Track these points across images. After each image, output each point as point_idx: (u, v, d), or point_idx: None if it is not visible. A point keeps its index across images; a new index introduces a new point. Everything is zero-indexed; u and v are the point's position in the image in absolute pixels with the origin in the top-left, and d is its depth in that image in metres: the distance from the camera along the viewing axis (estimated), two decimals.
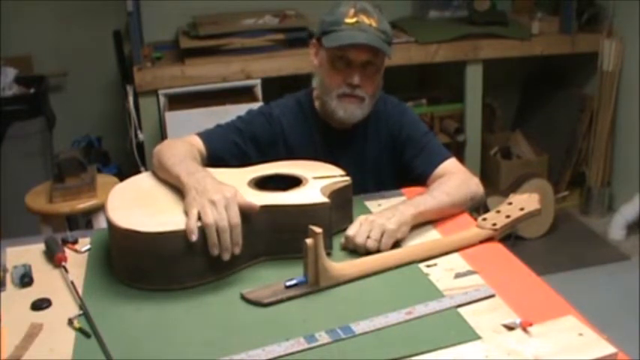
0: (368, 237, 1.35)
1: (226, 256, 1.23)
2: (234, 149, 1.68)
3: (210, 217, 1.22)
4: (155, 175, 1.50)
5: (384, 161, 1.76)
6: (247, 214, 1.27)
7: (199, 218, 1.22)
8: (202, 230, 1.22)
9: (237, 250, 1.24)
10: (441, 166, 1.66)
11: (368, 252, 1.35)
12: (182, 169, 1.38)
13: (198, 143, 1.65)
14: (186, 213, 1.25)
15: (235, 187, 1.29)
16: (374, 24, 1.61)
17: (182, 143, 1.59)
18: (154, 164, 1.52)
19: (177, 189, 1.39)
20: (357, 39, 1.59)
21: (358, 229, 1.37)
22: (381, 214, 1.41)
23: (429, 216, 1.49)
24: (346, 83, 1.63)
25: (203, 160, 1.61)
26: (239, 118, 1.76)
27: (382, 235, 1.35)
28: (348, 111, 1.66)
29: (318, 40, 1.69)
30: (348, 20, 1.60)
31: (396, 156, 1.75)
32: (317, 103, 1.76)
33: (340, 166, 1.53)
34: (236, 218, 1.23)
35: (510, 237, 3.22)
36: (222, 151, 1.67)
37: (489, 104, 3.77)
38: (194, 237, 1.20)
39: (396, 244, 1.39)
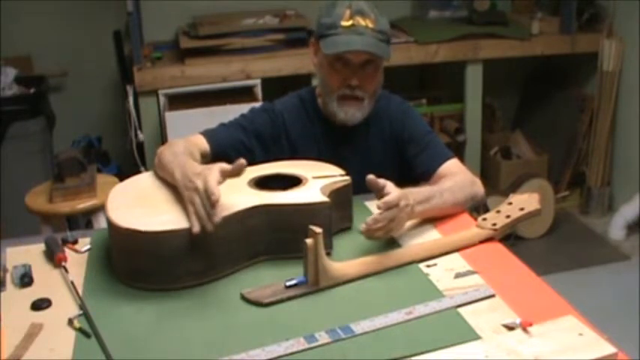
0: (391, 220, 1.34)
1: (209, 227, 1.22)
2: (238, 146, 1.69)
3: (191, 201, 1.24)
4: (156, 174, 1.51)
5: (387, 159, 1.76)
6: (247, 215, 1.27)
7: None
8: (204, 230, 1.22)
9: (217, 219, 1.22)
10: (442, 165, 1.67)
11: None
12: (175, 166, 1.40)
13: (202, 142, 1.66)
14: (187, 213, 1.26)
15: (217, 165, 1.29)
16: (370, 24, 1.60)
17: (182, 142, 1.59)
18: (155, 165, 1.53)
19: (178, 189, 1.39)
20: (353, 45, 1.59)
21: (394, 210, 1.34)
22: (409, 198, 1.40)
23: (431, 213, 1.50)
24: (345, 84, 1.64)
25: (206, 158, 1.61)
26: (242, 116, 1.77)
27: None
28: (349, 113, 1.67)
29: (317, 40, 1.69)
30: (344, 23, 1.60)
31: (399, 155, 1.75)
32: (320, 100, 1.76)
33: (343, 164, 1.54)
34: (208, 183, 1.23)
35: (510, 237, 3.22)
36: (227, 148, 1.67)
37: (489, 104, 3.77)
38: (196, 229, 1.21)
39: (395, 244, 1.39)
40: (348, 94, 1.65)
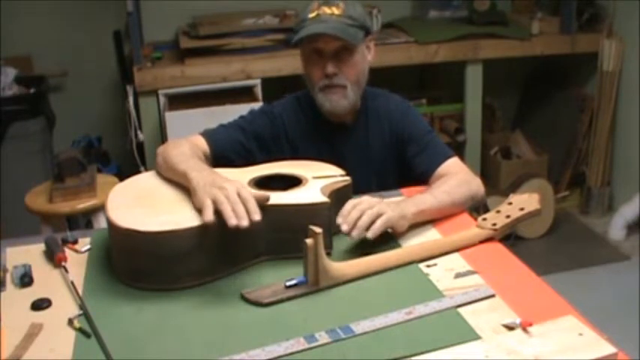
0: (364, 214, 1.33)
1: (244, 223, 1.19)
2: (238, 148, 1.70)
3: (222, 197, 1.21)
4: (157, 174, 1.51)
5: (387, 159, 1.77)
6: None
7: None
8: (204, 229, 1.22)
9: (257, 217, 1.21)
10: (442, 165, 1.67)
11: (358, 237, 1.33)
12: (188, 167, 1.39)
13: (202, 143, 1.66)
14: (198, 209, 1.25)
15: (241, 182, 1.30)
16: (336, 12, 1.64)
17: (187, 143, 1.60)
18: (158, 163, 1.52)
19: (178, 189, 1.39)
20: (313, 30, 1.62)
21: (356, 204, 1.34)
22: (385, 202, 1.40)
23: (429, 215, 1.49)
24: (324, 74, 1.66)
25: (207, 160, 1.62)
26: (241, 117, 1.78)
27: (378, 217, 1.34)
28: (333, 102, 1.69)
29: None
30: (310, 15, 1.65)
31: (399, 154, 1.75)
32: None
33: (344, 163, 1.54)
34: (249, 195, 1.23)
35: (510, 237, 3.22)
36: (227, 150, 1.68)
37: (489, 104, 3.77)
38: (210, 217, 1.19)
39: (395, 244, 1.39)
40: (328, 84, 1.67)
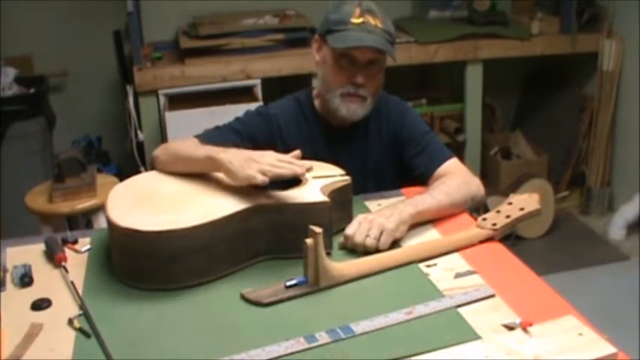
0: (367, 236, 1.35)
1: (303, 170, 1.35)
2: None
3: (267, 166, 1.31)
4: (156, 174, 1.51)
5: (385, 160, 1.76)
6: (247, 214, 1.27)
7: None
8: (203, 228, 1.21)
9: (309, 165, 1.36)
10: (442, 166, 1.66)
11: (366, 251, 1.35)
12: (210, 151, 1.42)
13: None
14: (239, 187, 1.34)
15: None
16: (379, 24, 1.61)
17: (185, 141, 1.60)
18: (162, 161, 1.53)
19: (178, 189, 1.39)
20: (365, 41, 1.59)
21: (357, 228, 1.37)
22: (380, 212, 1.41)
23: (427, 215, 1.49)
24: (350, 82, 1.64)
25: None
26: (237, 119, 1.77)
27: (381, 234, 1.35)
28: (351, 110, 1.67)
29: (321, 37, 1.69)
30: (355, 20, 1.61)
31: (397, 155, 1.75)
32: (317, 102, 1.76)
33: (341, 165, 1.53)
34: (287, 157, 1.37)
35: (510, 237, 3.22)
36: None
37: (489, 104, 3.77)
38: (266, 180, 1.29)
39: (395, 244, 1.39)
40: (352, 92, 1.65)
